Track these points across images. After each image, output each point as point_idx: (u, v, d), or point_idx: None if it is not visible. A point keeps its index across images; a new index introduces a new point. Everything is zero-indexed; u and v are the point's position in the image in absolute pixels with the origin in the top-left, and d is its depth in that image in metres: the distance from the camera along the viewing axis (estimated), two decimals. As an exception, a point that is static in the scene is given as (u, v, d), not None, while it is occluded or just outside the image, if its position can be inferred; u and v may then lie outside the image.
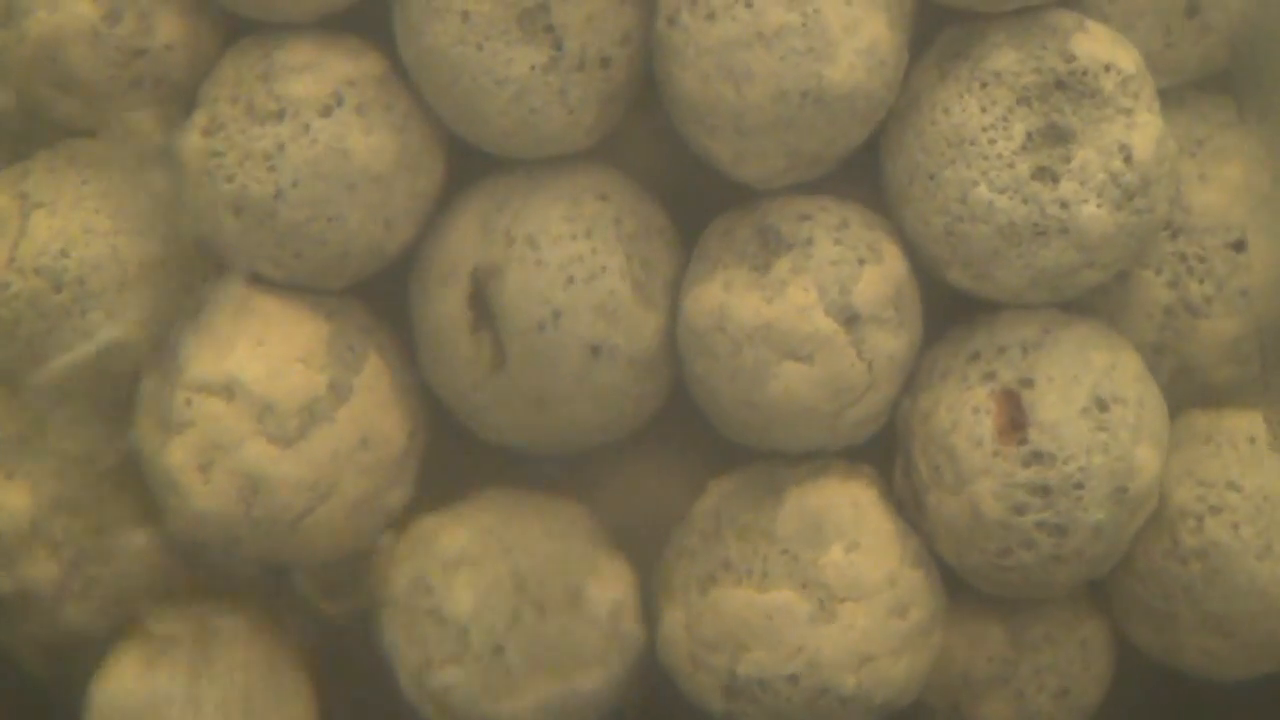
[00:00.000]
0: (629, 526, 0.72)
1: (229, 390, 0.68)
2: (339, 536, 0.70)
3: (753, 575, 0.69)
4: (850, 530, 0.69)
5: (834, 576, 0.69)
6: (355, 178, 0.68)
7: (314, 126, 0.67)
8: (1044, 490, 0.68)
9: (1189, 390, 0.72)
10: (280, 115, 0.68)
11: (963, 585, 0.71)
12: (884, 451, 0.71)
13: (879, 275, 0.68)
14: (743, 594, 0.69)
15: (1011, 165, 0.67)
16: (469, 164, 0.70)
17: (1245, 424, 0.71)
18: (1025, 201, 0.67)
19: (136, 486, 0.70)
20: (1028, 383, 0.68)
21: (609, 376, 0.69)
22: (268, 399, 0.68)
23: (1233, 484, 0.70)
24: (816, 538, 0.69)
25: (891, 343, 0.69)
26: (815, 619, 0.68)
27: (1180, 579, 0.70)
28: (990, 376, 0.69)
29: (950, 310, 0.70)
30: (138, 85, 0.69)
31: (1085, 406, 0.68)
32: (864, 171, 0.70)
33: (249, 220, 0.68)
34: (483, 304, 0.69)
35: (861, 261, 0.68)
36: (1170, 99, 0.70)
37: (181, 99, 0.70)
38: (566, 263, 0.68)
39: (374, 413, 0.69)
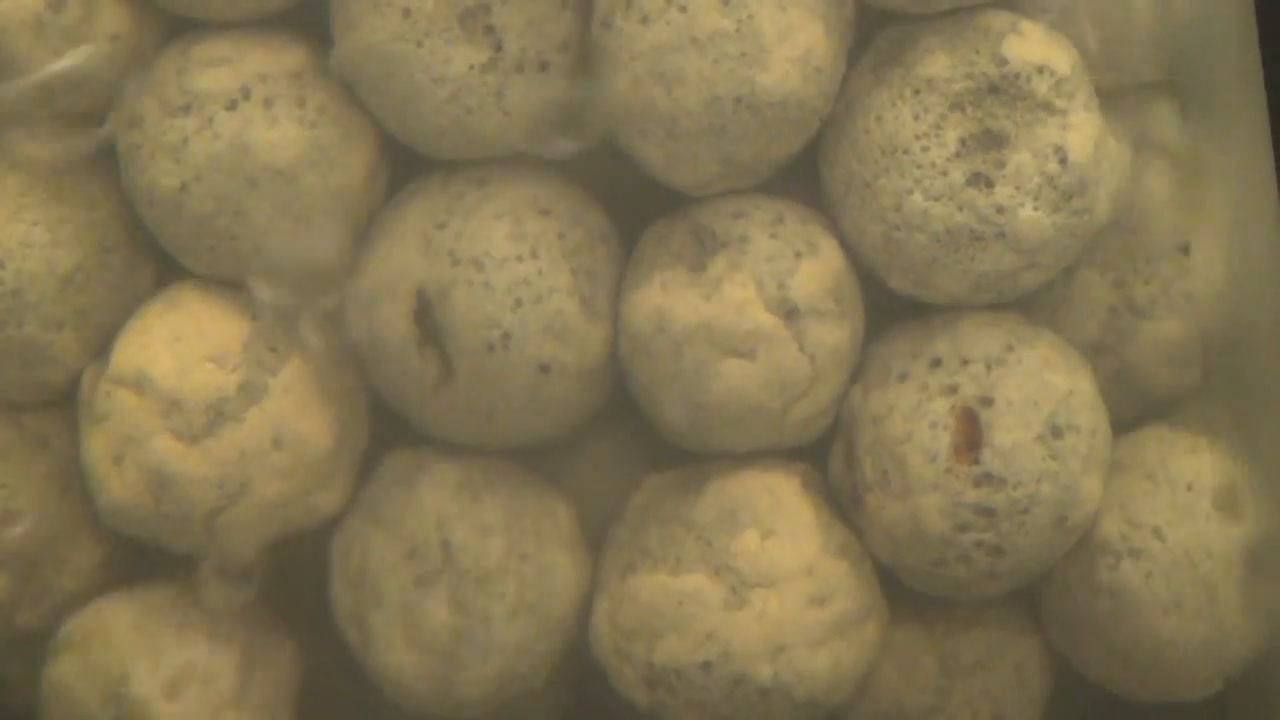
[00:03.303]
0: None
1: (140, 385, 0.68)
2: (261, 535, 0.69)
3: (667, 561, 0.68)
4: (766, 518, 0.68)
5: (746, 563, 0.68)
6: (256, 172, 0.67)
7: (217, 120, 0.68)
8: (989, 512, 0.67)
9: (1127, 394, 0.71)
10: (187, 109, 0.68)
11: (894, 609, 0.70)
12: (823, 437, 0.70)
13: (817, 268, 0.68)
14: (657, 579, 0.68)
15: (945, 173, 0.68)
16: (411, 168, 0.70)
17: (1190, 467, 0.70)
18: (961, 208, 0.67)
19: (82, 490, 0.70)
20: (987, 401, 0.68)
21: (558, 390, 0.69)
22: (175, 395, 0.68)
23: (1158, 531, 0.69)
24: (731, 524, 0.68)
25: (834, 335, 0.68)
26: (727, 604, 0.67)
27: (1089, 608, 0.70)
28: (952, 390, 0.68)
29: (895, 302, 0.70)
30: (79, 76, 0.69)
31: (1040, 433, 0.67)
32: (804, 178, 0.70)
33: (161, 213, 0.69)
34: (428, 320, 0.68)
35: (798, 255, 0.68)
36: (1118, 100, 0.71)
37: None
38: (514, 285, 0.67)
39: (291, 414, 0.68)
